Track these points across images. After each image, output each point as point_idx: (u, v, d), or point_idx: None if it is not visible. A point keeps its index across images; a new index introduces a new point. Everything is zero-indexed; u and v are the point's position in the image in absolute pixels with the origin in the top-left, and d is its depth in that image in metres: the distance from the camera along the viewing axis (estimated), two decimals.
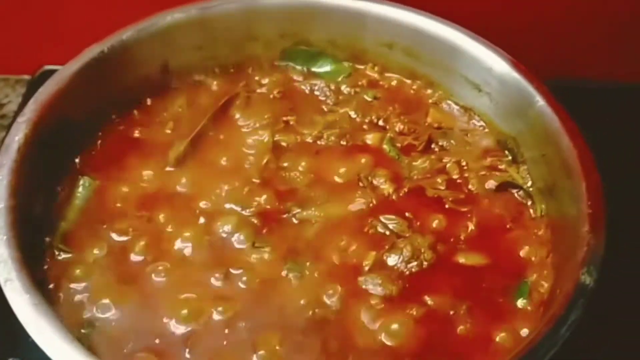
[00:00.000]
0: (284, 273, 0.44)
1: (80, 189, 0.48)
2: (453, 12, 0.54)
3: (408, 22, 0.55)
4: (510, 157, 0.52)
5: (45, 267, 0.43)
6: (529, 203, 0.49)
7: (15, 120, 0.46)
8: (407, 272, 0.44)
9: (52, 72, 0.50)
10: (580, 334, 0.38)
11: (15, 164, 0.43)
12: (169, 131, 0.52)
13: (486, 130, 0.54)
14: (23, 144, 0.44)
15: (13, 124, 0.45)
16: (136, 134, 0.52)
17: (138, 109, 0.53)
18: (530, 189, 0.49)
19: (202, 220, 0.47)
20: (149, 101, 0.54)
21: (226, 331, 0.41)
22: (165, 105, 0.54)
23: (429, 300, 0.43)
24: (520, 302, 0.44)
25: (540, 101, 0.48)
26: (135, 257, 0.44)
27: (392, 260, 0.45)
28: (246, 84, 0.57)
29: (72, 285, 0.42)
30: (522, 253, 0.46)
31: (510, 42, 0.52)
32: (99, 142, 0.51)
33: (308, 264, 0.45)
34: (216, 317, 0.42)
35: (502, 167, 0.51)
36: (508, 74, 0.51)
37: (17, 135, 0.44)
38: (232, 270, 0.44)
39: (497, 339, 0.42)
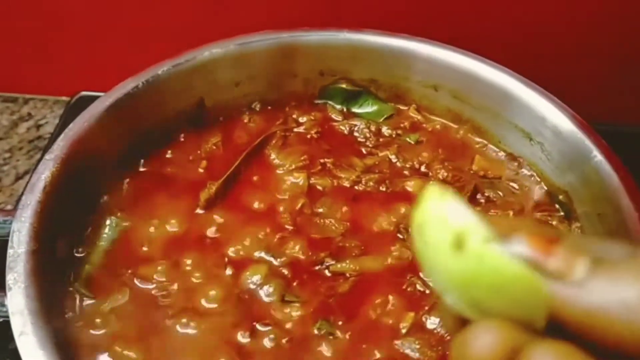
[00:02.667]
0: (314, 332, 0.41)
1: (106, 230, 0.46)
2: (504, 57, 0.51)
3: (458, 64, 0.52)
4: (562, 213, 0.48)
5: (64, 314, 0.41)
6: None
7: (50, 147, 0.45)
8: (448, 337, 0.41)
9: (89, 97, 0.48)
10: None
11: (40, 204, 0.41)
12: (201, 170, 0.50)
13: (536, 181, 0.50)
14: (49, 182, 0.42)
15: (40, 161, 0.44)
16: (167, 172, 0.50)
17: (171, 146, 0.52)
18: None
19: (230, 268, 0.44)
20: (182, 138, 0.52)
21: None
22: (199, 143, 0.52)
23: None
24: None
25: (597, 156, 0.45)
26: (158, 307, 0.42)
27: (431, 322, 0.42)
28: (283, 122, 0.54)
29: (92, 335, 0.40)
30: None
31: (558, 87, 0.49)
32: (129, 180, 0.49)
33: (340, 322, 0.42)
34: None
35: (554, 222, 0.48)
36: (563, 125, 0.47)
37: (44, 173, 0.43)
38: (258, 327, 0.41)
39: None
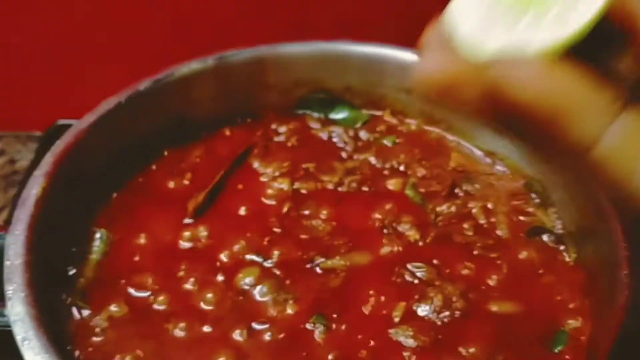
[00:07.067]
0: (309, 326, 0.42)
1: (97, 243, 0.46)
2: None
3: None
4: (538, 200, 0.50)
5: (63, 325, 0.41)
6: (561, 247, 0.47)
7: (31, 173, 0.45)
8: (439, 323, 0.42)
9: (66, 126, 0.49)
10: None
11: (32, 218, 0.42)
12: (187, 182, 0.51)
13: (511, 173, 0.53)
14: (40, 197, 0.43)
15: (30, 178, 0.44)
16: (154, 185, 0.51)
17: (155, 161, 0.53)
18: (561, 233, 0.48)
19: (222, 272, 0.45)
20: (166, 152, 0.53)
21: None
22: (182, 156, 0.53)
23: (463, 351, 0.41)
24: (558, 351, 0.41)
25: None
26: (155, 313, 0.43)
27: (422, 310, 0.43)
28: (264, 133, 0.56)
29: (91, 344, 0.41)
30: (556, 299, 0.44)
31: None
32: (116, 194, 0.50)
33: (335, 316, 0.43)
34: None
35: (530, 210, 0.50)
36: None
37: (34, 189, 0.43)
38: (254, 325, 0.42)
39: None
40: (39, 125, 0.71)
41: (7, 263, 0.39)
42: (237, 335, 0.42)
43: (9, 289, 0.38)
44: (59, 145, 0.46)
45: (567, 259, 0.47)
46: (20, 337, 0.35)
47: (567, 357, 0.41)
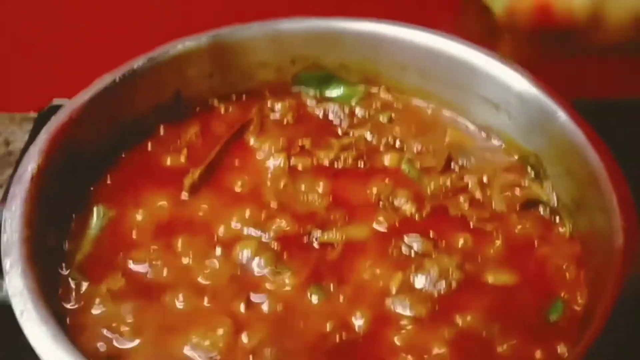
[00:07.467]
0: (308, 297, 0.42)
1: (94, 219, 0.47)
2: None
3: (422, 43, 0.54)
4: (533, 174, 0.50)
5: (61, 297, 0.41)
6: (556, 219, 0.48)
7: (27, 150, 0.45)
8: (436, 293, 0.43)
9: (61, 107, 0.49)
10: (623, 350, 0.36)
11: (28, 194, 0.42)
12: (183, 159, 0.51)
13: (506, 147, 0.53)
14: (36, 174, 0.43)
15: (25, 154, 0.44)
16: (150, 162, 0.51)
17: (151, 138, 0.53)
18: (556, 205, 0.48)
19: (220, 246, 0.45)
20: (162, 130, 0.53)
21: (251, 359, 0.39)
22: (178, 133, 0.53)
23: (460, 321, 0.41)
24: (554, 320, 0.42)
25: (562, 116, 0.47)
26: (153, 286, 0.43)
27: (419, 281, 0.43)
28: (259, 110, 0.56)
29: (90, 317, 0.41)
30: (552, 270, 0.45)
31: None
32: (113, 171, 0.50)
33: (332, 287, 0.43)
34: (240, 345, 0.40)
35: (525, 184, 0.50)
36: (527, 91, 0.50)
37: (30, 165, 0.43)
38: (253, 297, 0.42)
39: None
40: (34, 106, 0.71)
41: (4, 237, 0.39)
42: (236, 307, 0.42)
43: (7, 263, 0.38)
44: (53, 122, 0.46)
45: (562, 230, 0.47)
46: (19, 309, 0.36)
47: (562, 326, 0.42)
